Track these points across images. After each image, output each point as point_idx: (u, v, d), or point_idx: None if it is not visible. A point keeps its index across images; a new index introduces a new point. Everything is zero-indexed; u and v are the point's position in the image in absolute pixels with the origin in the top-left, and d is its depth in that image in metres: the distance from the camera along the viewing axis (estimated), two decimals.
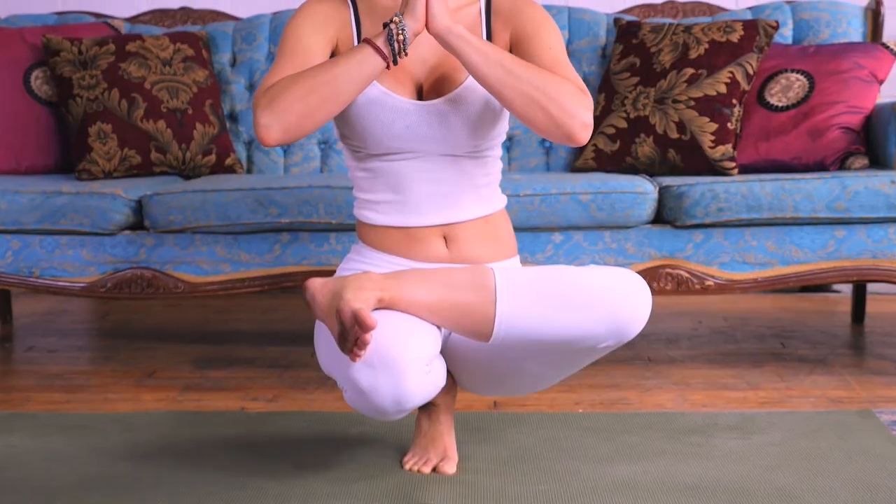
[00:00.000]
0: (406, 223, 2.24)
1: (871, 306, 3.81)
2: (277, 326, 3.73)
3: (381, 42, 2.05)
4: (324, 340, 2.16)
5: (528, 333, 2.06)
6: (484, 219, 2.27)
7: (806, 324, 3.63)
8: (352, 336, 1.96)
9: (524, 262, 2.93)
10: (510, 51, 2.20)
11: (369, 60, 2.05)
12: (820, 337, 3.44)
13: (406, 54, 2.06)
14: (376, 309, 2.05)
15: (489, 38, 2.23)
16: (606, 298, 2.05)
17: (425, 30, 2.10)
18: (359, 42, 2.20)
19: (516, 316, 2.05)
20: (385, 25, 2.05)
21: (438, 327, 2.12)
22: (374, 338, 1.97)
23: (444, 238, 2.24)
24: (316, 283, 2.11)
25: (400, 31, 2.04)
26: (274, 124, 2.04)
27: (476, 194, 2.26)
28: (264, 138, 2.05)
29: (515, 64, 2.07)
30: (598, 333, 2.06)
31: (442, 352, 2.18)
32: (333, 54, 2.22)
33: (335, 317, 2.00)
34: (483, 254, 2.26)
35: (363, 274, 2.08)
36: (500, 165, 2.33)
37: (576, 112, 2.06)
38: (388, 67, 2.07)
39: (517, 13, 2.23)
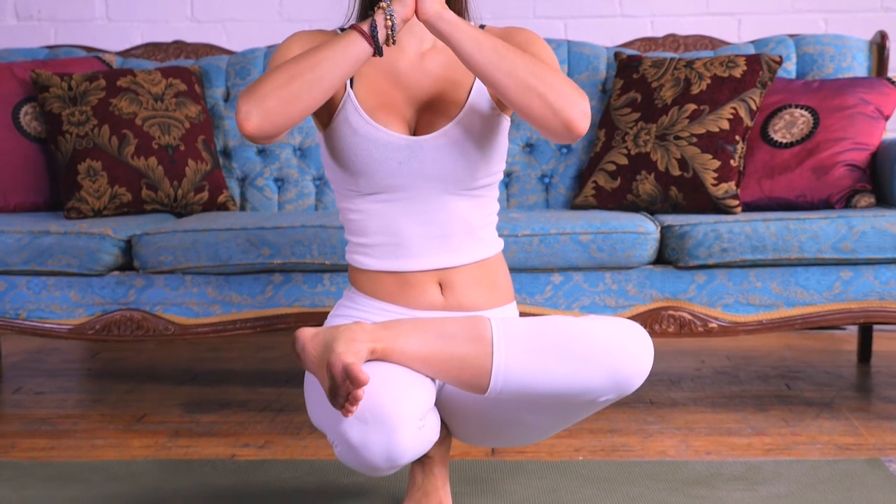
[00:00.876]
0: (400, 268, 2.16)
1: (878, 344, 3.73)
2: (271, 366, 3.65)
3: (368, 28, 1.97)
4: (314, 393, 2.09)
5: (526, 386, 1.99)
6: (480, 263, 2.20)
7: (811, 363, 3.56)
8: (343, 391, 1.89)
9: (523, 304, 2.86)
10: None
11: (355, 45, 1.97)
12: (826, 378, 3.36)
13: (394, 42, 1.98)
14: (369, 360, 1.98)
15: None
16: (607, 351, 1.97)
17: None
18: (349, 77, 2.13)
19: (513, 368, 1.98)
20: (371, 14, 1.98)
21: (432, 379, 2.05)
22: (365, 392, 1.90)
23: (440, 284, 2.17)
24: (306, 334, 2.03)
25: (388, 18, 1.96)
26: (254, 110, 1.94)
27: (472, 237, 2.18)
28: (243, 125, 1.94)
29: (510, 50, 1.98)
30: (599, 387, 1.99)
31: (436, 403, 2.11)
32: None
33: (326, 370, 1.93)
34: (479, 301, 2.18)
35: (355, 324, 2.01)
36: (496, 207, 2.25)
37: (575, 99, 1.97)
38: (374, 55, 1.98)
39: (508, 38, 2.16)
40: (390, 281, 2.17)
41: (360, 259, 2.19)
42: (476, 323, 2.02)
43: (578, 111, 1.97)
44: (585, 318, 2.03)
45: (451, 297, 2.16)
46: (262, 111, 1.94)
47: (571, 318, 2.03)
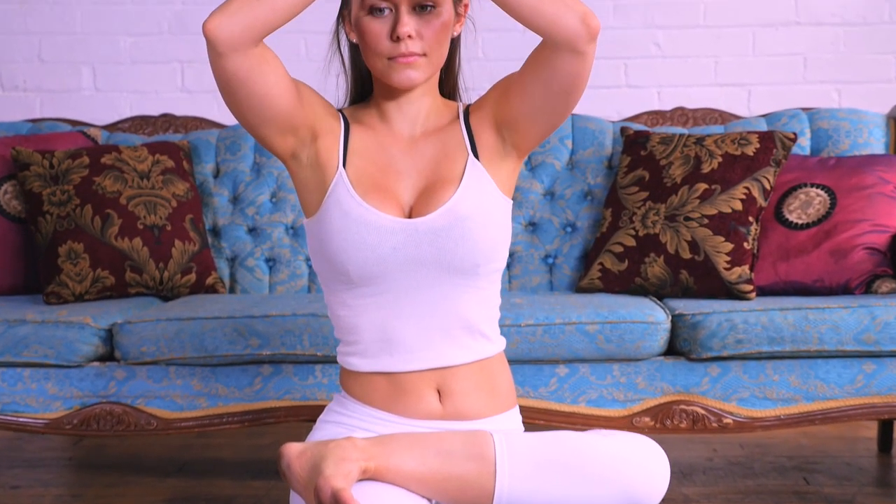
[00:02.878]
0: (393, 367, 1.99)
1: None
2: (261, 454, 3.47)
3: None
4: None
5: None
6: (480, 364, 2.03)
7: (829, 453, 3.38)
8: None
9: (526, 397, 2.70)
10: (501, 128, 2.00)
11: None
12: (846, 470, 3.19)
13: None
14: (361, 479, 1.82)
15: (472, 141, 2.02)
16: (619, 471, 1.82)
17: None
18: (345, 148, 2.00)
19: (518, 490, 1.82)
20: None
21: (429, 500, 1.88)
22: None
23: (437, 391, 2.00)
24: (292, 451, 1.88)
25: None
26: (218, 10, 1.82)
27: (472, 333, 2.02)
28: (204, 25, 1.82)
29: None
30: None
31: None
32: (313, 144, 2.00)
33: (314, 494, 1.77)
34: (480, 408, 2.01)
35: (346, 440, 1.85)
36: (498, 301, 2.09)
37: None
38: None
39: (484, 98, 2.05)
40: (383, 384, 2.01)
41: (351, 360, 2.03)
42: (477, 439, 1.86)
43: (588, 7, 1.86)
44: (595, 434, 1.88)
45: (449, 404, 2.00)
46: (225, 8, 1.82)
47: (580, 434, 1.88)
